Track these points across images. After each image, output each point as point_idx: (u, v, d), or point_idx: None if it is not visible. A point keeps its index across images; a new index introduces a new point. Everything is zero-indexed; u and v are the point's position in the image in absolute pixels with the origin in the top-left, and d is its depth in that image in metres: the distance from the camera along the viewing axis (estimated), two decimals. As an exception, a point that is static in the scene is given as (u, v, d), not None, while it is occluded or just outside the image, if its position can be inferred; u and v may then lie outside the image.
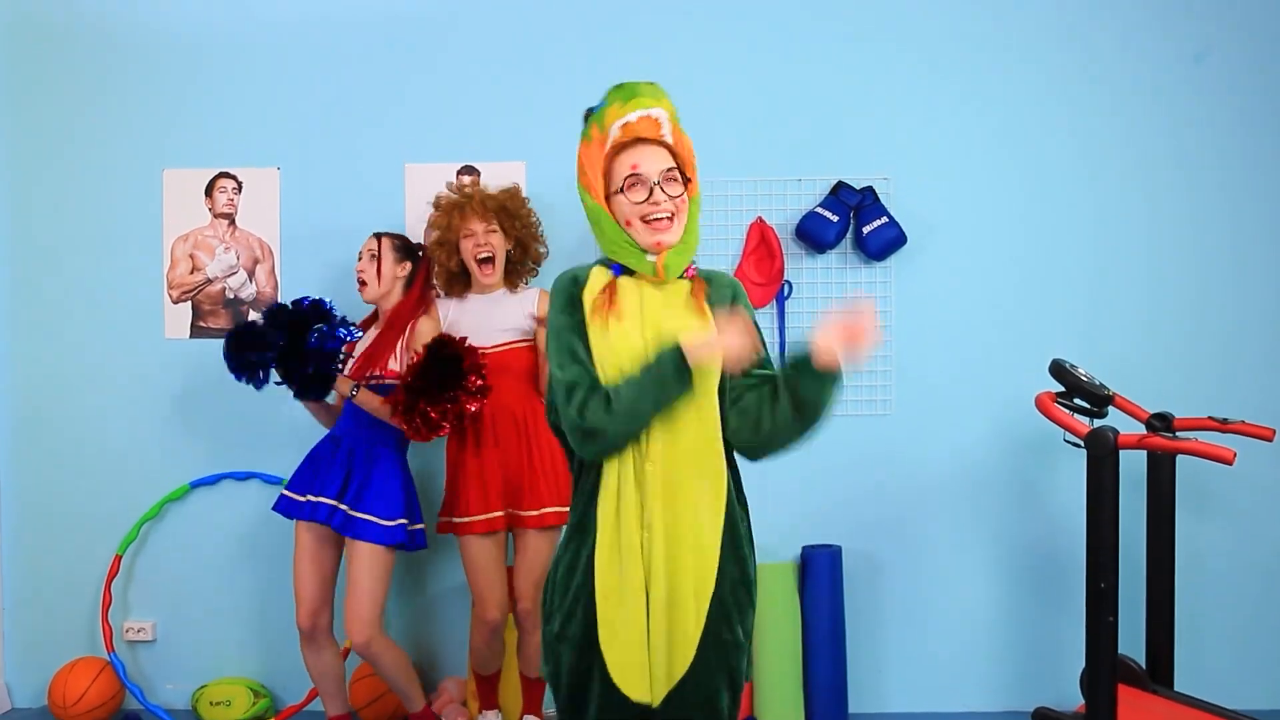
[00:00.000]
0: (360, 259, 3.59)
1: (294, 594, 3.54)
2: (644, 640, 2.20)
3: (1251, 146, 4.02)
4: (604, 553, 2.22)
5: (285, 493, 3.58)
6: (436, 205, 3.66)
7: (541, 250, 3.74)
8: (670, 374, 2.11)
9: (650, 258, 2.25)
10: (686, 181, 2.28)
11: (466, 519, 3.49)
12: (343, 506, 3.45)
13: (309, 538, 3.53)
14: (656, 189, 2.23)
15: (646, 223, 2.23)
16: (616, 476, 2.22)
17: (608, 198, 2.25)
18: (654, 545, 2.21)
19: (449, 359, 3.31)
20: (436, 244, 3.60)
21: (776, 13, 4.02)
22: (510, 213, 3.61)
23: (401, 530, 3.49)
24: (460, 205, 3.57)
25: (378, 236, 3.61)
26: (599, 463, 2.23)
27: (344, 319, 3.51)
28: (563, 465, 3.55)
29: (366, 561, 3.44)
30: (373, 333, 3.62)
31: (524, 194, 3.76)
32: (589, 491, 2.27)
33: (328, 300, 3.51)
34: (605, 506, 2.24)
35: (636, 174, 2.23)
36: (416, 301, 3.61)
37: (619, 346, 2.18)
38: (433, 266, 3.66)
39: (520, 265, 3.68)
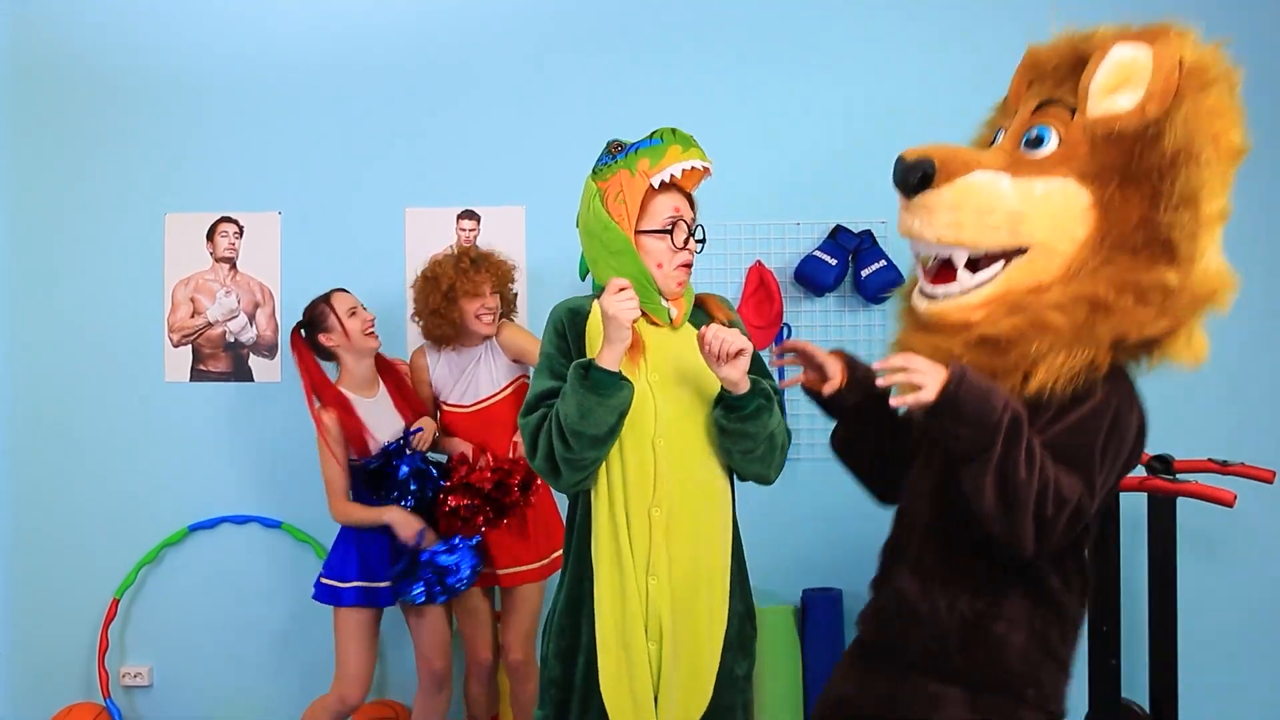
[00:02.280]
0: (355, 313, 3.50)
1: (345, 674, 3.44)
2: (651, 686, 2.19)
3: (1248, 184, 4.03)
4: (605, 600, 2.21)
5: (328, 582, 3.45)
6: (449, 260, 3.61)
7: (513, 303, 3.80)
8: (595, 381, 2.14)
9: (665, 303, 2.27)
10: None
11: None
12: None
13: (362, 620, 3.44)
14: (690, 239, 2.28)
15: (676, 269, 2.26)
16: (610, 516, 2.23)
17: (635, 234, 2.27)
18: (661, 588, 2.21)
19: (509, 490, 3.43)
20: (440, 296, 3.53)
21: (776, 59, 4.06)
22: (508, 284, 3.66)
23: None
24: (475, 264, 3.55)
25: (344, 290, 3.58)
26: (586, 499, 2.24)
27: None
28: (545, 515, 3.58)
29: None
30: (383, 401, 3.53)
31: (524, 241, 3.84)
32: (582, 527, 2.26)
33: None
34: (603, 549, 2.23)
35: (680, 218, 2.27)
36: (387, 358, 3.66)
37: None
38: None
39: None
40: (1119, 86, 1.96)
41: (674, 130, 2.31)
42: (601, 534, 2.22)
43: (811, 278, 3.93)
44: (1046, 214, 1.95)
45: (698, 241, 2.34)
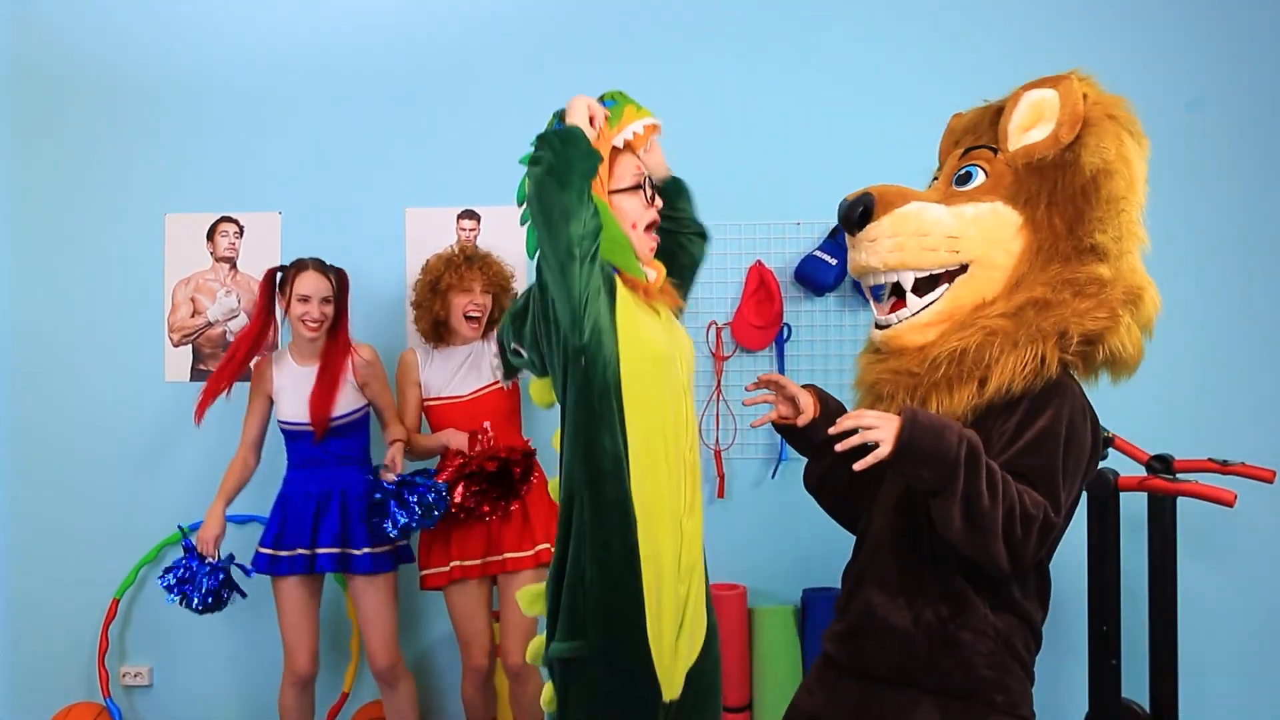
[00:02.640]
0: (307, 302, 3.47)
1: (289, 646, 3.50)
2: (676, 626, 2.14)
3: (1247, 191, 4.05)
4: (664, 546, 2.12)
5: (263, 550, 3.51)
6: (443, 257, 3.65)
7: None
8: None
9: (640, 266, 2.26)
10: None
11: (441, 569, 3.51)
12: (356, 551, 3.46)
13: (298, 589, 3.49)
14: (655, 195, 2.28)
15: (646, 230, 2.26)
16: (664, 458, 2.14)
17: (609, 195, 2.25)
18: (694, 529, 2.20)
19: (512, 474, 3.46)
20: (429, 289, 3.59)
21: (777, 59, 4.06)
22: (503, 288, 3.67)
23: (406, 548, 3.57)
24: (469, 261, 3.59)
25: (322, 272, 3.52)
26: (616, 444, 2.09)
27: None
28: (544, 504, 3.53)
29: (384, 591, 3.50)
30: (309, 376, 3.53)
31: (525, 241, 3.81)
32: (614, 473, 2.09)
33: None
34: (661, 492, 2.12)
35: (645, 176, 2.27)
36: (347, 333, 3.60)
37: (652, 335, 2.19)
38: (347, 290, 3.63)
39: (494, 323, 3.69)
40: (1033, 123, 2.21)
41: (621, 91, 2.36)
42: (659, 475, 2.12)
43: (811, 278, 3.93)
44: (980, 232, 2.14)
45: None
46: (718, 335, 4.03)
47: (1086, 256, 2.07)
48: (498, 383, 3.60)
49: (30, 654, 4.10)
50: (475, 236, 4.04)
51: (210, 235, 4.09)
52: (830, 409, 2.35)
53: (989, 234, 2.14)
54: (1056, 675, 3.94)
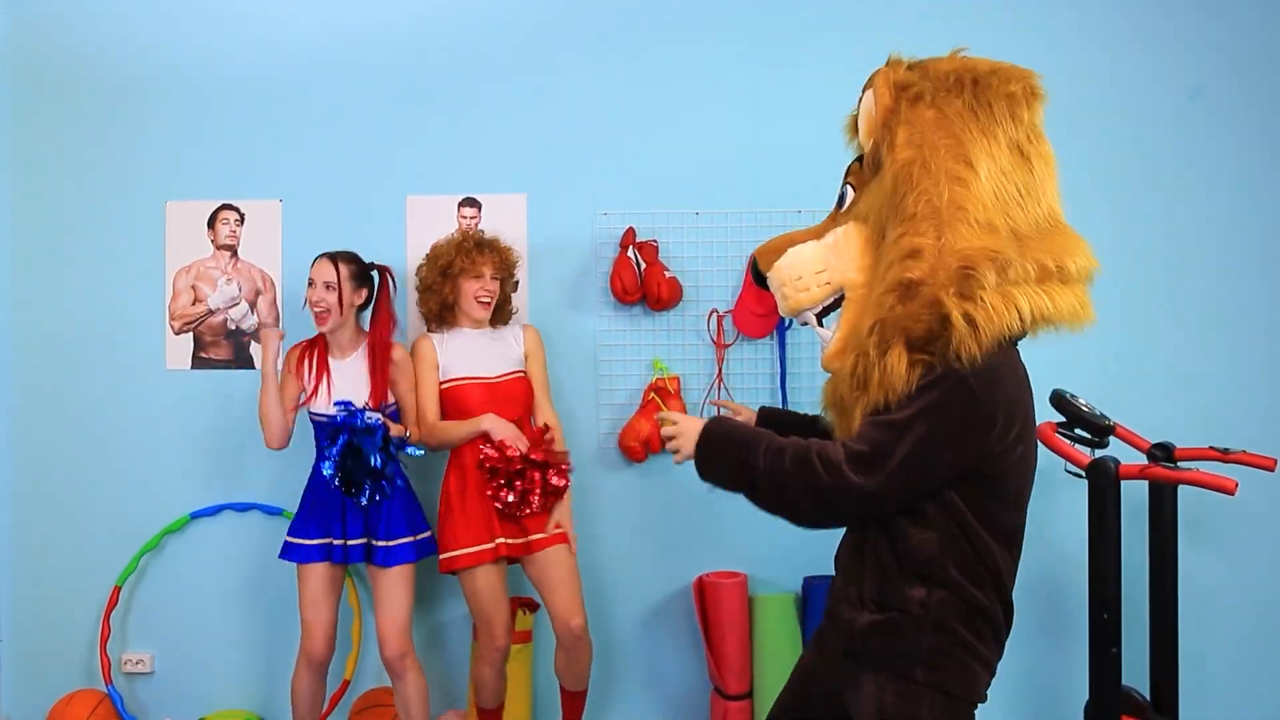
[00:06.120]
0: (313, 286, 3.54)
1: (308, 627, 3.53)
2: None
3: (1245, 180, 4.05)
4: None
5: (295, 540, 3.54)
6: (453, 242, 3.68)
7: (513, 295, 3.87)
8: None
9: None
10: None
11: (468, 550, 3.51)
12: (380, 542, 3.51)
13: (324, 574, 3.53)
14: None
15: None
16: None
17: None
18: None
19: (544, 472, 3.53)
20: (439, 274, 3.64)
21: (779, 47, 4.05)
22: (511, 272, 3.76)
23: (429, 541, 3.62)
24: (480, 246, 3.65)
25: (333, 261, 3.55)
26: None
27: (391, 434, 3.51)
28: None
29: (402, 580, 3.54)
30: (354, 366, 3.59)
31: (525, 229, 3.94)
32: None
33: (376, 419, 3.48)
34: None
35: None
36: (390, 327, 3.65)
37: None
38: (392, 289, 3.69)
39: (502, 309, 3.78)
40: (866, 130, 2.27)
41: None
42: None
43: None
44: (840, 258, 2.23)
45: None
46: (719, 323, 4.03)
47: (906, 260, 2.05)
48: (519, 371, 3.69)
49: (32, 641, 4.10)
50: (476, 224, 4.03)
51: (211, 223, 4.09)
52: (766, 419, 2.61)
53: (844, 257, 2.22)
54: (1058, 662, 3.96)
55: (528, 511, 3.53)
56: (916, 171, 2.08)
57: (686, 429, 2.26)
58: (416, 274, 3.75)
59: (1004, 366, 2.07)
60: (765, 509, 2.17)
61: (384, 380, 3.57)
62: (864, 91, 2.27)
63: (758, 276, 2.39)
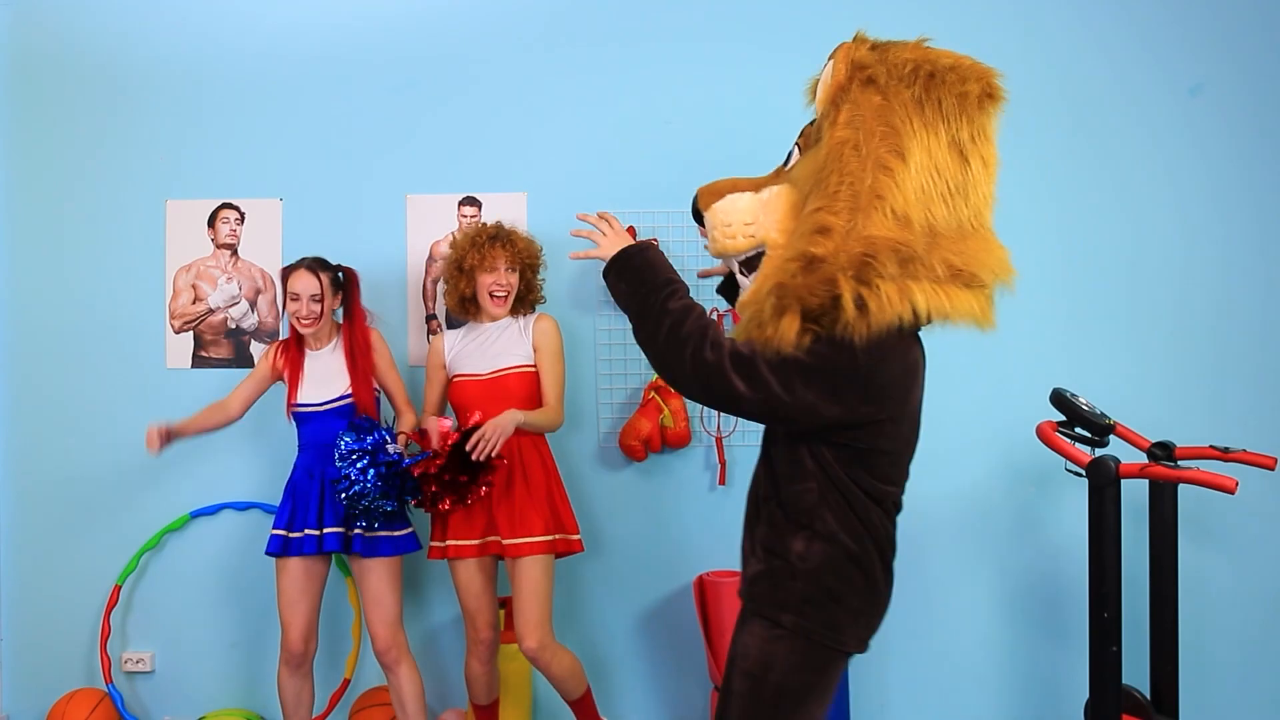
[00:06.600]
0: (298, 300, 3.56)
1: (284, 624, 3.54)
2: None
3: (1245, 178, 4.05)
4: None
5: (276, 532, 3.56)
6: (468, 235, 3.67)
7: (540, 285, 3.80)
8: None
9: None
10: None
11: (453, 542, 3.53)
12: (357, 531, 3.51)
13: (300, 569, 3.54)
14: None
15: None
16: None
17: None
18: None
19: (471, 464, 3.44)
20: (455, 268, 3.64)
21: (777, 47, 4.05)
22: (529, 264, 3.70)
23: (412, 536, 3.61)
24: (492, 239, 3.61)
25: (313, 272, 3.59)
26: None
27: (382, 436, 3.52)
28: (560, 496, 3.58)
29: (387, 574, 3.54)
30: (331, 357, 3.64)
31: (526, 227, 3.87)
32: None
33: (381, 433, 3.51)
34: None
35: None
36: (364, 324, 3.69)
37: None
38: (356, 286, 3.71)
39: (524, 299, 3.72)
40: (820, 99, 2.29)
41: None
42: None
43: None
44: (770, 216, 2.25)
45: None
46: (718, 322, 4.02)
47: (814, 234, 2.08)
48: (522, 365, 3.59)
49: (33, 640, 4.10)
50: (477, 224, 4.03)
51: (211, 222, 4.09)
52: None
53: (772, 215, 2.25)
54: (1059, 661, 3.96)
55: (470, 501, 3.48)
56: (848, 152, 2.09)
57: (612, 235, 2.36)
58: (442, 267, 3.77)
59: (895, 351, 2.12)
60: (647, 350, 2.24)
61: (365, 374, 3.61)
62: (828, 61, 2.29)
63: (695, 213, 2.42)
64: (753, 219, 2.28)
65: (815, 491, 2.17)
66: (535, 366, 3.61)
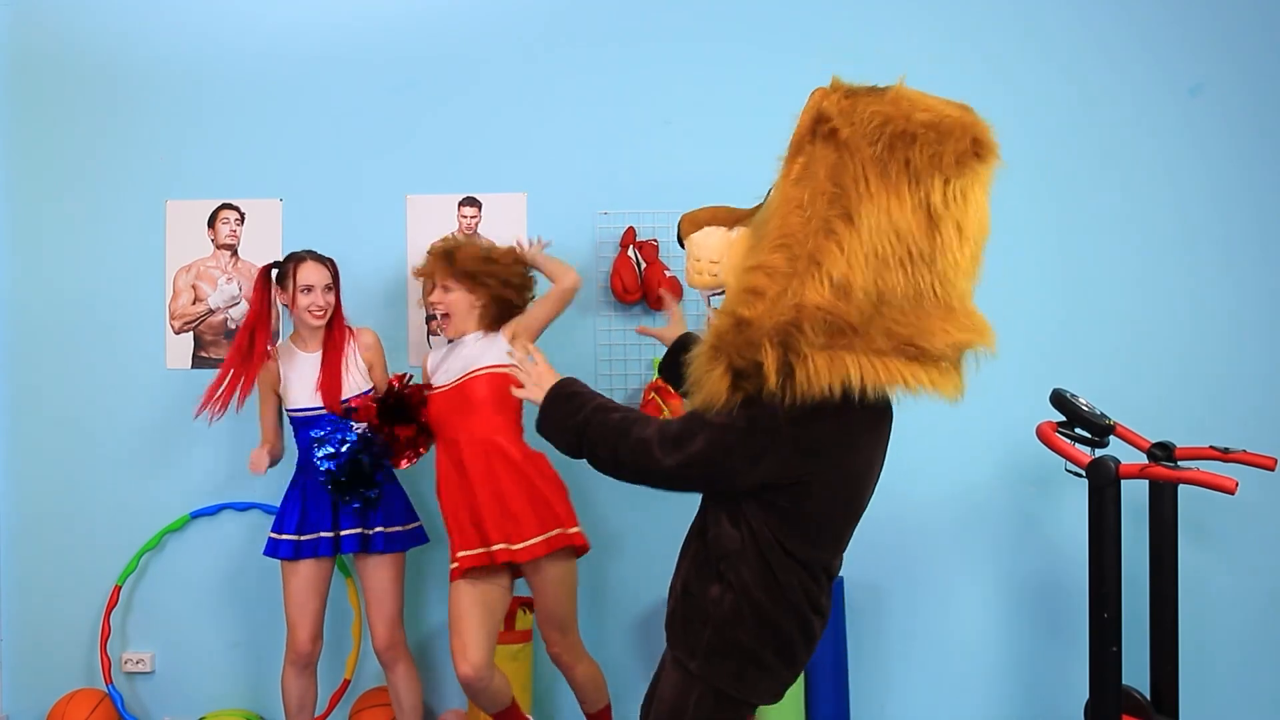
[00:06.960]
0: (311, 291, 3.49)
1: (293, 625, 3.52)
2: None
3: (1246, 178, 4.04)
4: None
5: (283, 536, 3.51)
6: (431, 251, 3.58)
7: (529, 296, 3.59)
8: None
9: None
10: None
11: (465, 552, 3.32)
12: (377, 530, 3.51)
13: (311, 571, 3.52)
14: None
15: None
16: None
17: None
18: None
19: (406, 414, 3.43)
20: (424, 282, 3.64)
21: (779, 44, 4.05)
22: (475, 275, 3.45)
23: (420, 530, 3.63)
24: (439, 257, 3.49)
25: (322, 262, 3.54)
26: None
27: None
28: (552, 491, 3.38)
29: (392, 572, 3.55)
30: (315, 363, 3.56)
31: (524, 239, 3.80)
32: None
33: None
34: None
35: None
36: (342, 318, 3.64)
37: None
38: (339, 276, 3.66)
39: (504, 314, 3.51)
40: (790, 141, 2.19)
41: None
42: None
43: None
44: (730, 256, 2.26)
45: None
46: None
47: (745, 294, 2.01)
48: (490, 366, 3.39)
49: (33, 640, 4.10)
50: (477, 224, 4.03)
51: (211, 222, 4.09)
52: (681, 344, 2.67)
53: (734, 257, 2.23)
54: (1059, 662, 3.96)
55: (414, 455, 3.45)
56: (792, 210, 2.00)
57: (539, 378, 2.35)
58: None
59: (832, 419, 2.01)
60: (596, 468, 2.22)
61: (339, 369, 3.55)
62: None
63: (679, 239, 2.44)
64: (718, 257, 2.29)
65: (737, 541, 2.12)
66: (504, 366, 3.35)
